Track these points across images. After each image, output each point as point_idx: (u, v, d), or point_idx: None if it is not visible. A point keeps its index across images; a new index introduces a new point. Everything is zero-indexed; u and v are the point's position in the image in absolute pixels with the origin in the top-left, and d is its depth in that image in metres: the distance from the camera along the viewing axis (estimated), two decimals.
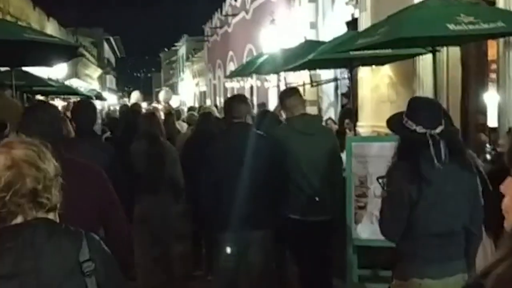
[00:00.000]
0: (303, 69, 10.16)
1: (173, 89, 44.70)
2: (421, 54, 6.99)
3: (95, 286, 1.75)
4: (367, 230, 4.80)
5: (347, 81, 11.75)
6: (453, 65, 7.83)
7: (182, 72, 46.00)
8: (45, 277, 1.69)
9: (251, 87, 19.71)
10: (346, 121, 8.99)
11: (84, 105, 4.81)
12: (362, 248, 4.90)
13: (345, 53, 7.08)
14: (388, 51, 6.97)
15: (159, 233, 5.48)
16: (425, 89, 7.85)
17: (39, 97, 16.51)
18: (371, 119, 9.52)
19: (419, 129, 2.93)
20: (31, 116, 2.90)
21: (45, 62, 7.74)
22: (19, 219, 1.74)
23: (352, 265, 4.91)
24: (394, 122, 3.13)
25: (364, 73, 9.70)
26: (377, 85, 9.55)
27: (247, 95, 19.47)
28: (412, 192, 2.87)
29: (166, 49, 64.33)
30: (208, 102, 29.22)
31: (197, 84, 37.43)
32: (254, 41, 18.20)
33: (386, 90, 9.27)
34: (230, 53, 24.39)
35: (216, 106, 16.39)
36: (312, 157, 4.44)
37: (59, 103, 19.92)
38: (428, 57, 6.81)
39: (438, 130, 2.94)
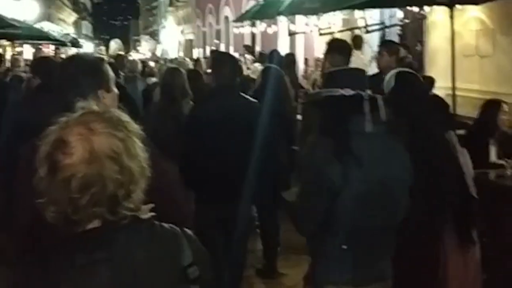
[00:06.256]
0: (348, 8, 7.74)
1: (154, 37, 42.10)
2: None
3: None
4: None
5: (397, 29, 9.40)
6: None
7: (164, 19, 42.86)
8: None
9: (253, 34, 16.95)
10: None
11: None
12: None
13: None
14: None
15: None
16: None
17: (3, 42, 13.82)
18: (445, 79, 7.11)
19: (347, 92, 2.29)
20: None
21: None
22: (96, 223, 1.36)
23: None
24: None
25: (438, 16, 7.22)
26: (458, 33, 7.09)
27: (249, 42, 16.85)
28: (333, 177, 2.23)
29: None
30: (196, 52, 26.46)
31: (182, 32, 34.51)
32: None
33: (474, 40, 6.85)
34: None
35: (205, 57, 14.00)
36: None
37: (27, 49, 17.16)
38: None
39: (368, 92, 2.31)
